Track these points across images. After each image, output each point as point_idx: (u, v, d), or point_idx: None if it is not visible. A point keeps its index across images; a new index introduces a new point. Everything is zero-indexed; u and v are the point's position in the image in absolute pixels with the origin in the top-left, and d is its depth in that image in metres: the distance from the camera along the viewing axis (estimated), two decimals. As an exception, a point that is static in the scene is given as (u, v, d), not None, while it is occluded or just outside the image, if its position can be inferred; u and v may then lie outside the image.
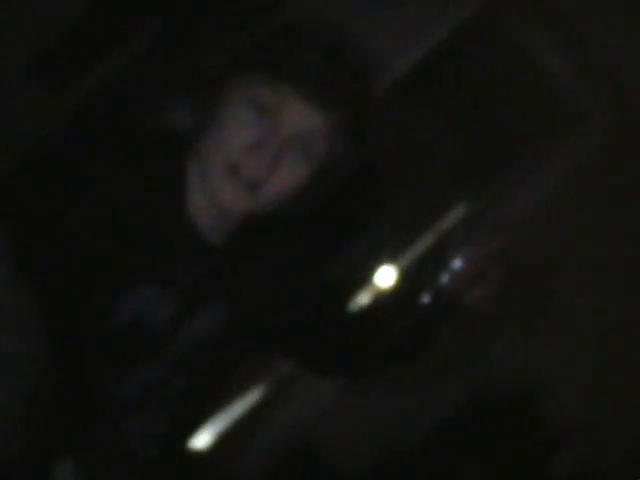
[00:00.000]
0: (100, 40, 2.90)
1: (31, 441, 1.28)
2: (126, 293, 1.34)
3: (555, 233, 3.03)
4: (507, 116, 3.27)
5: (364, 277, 2.89)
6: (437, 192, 3.26)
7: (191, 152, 1.37)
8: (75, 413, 1.35)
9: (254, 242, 1.42)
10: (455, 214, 3.18)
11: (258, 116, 1.28)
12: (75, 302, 1.31)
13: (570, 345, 3.04)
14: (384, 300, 1.55)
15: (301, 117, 1.29)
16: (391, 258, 3.02)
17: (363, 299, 2.88)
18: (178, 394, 1.44)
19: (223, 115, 1.31)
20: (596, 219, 3.06)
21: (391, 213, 3.19)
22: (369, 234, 3.17)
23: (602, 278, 3.09)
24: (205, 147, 1.33)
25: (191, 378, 1.45)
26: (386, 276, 2.99)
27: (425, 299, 1.46)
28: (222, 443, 2.96)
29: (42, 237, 1.28)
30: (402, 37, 3.05)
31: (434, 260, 1.46)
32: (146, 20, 2.92)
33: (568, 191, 3.13)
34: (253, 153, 1.28)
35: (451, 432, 3.05)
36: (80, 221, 1.30)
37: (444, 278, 1.44)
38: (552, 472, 2.97)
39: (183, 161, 1.38)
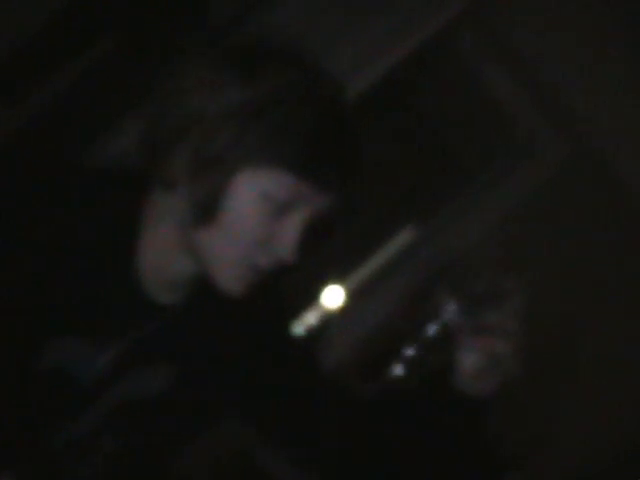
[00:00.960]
0: (51, 57, 2.79)
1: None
2: (52, 341, 1.27)
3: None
4: (459, 143, 3.27)
5: (311, 297, 2.85)
6: (386, 214, 3.24)
7: (147, 199, 1.28)
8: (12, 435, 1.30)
9: (210, 304, 1.31)
10: (402, 237, 3.16)
11: (274, 212, 1.22)
12: (3, 344, 1.26)
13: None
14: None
15: (321, 206, 1.25)
16: (338, 279, 2.99)
17: (310, 319, 2.84)
18: (106, 455, 1.37)
19: (233, 206, 1.21)
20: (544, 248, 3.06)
21: (340, 234, 3.15)
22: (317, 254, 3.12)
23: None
24: (207, 233, 1.23)
25: (120, 440, 1.36)
26: (334, 296, 2.96)
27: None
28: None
29: None
30: (356, 59, 3.02)
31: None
32: (99, 38, 2.82)
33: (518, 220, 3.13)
34: (270, 247, 1.24)
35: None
36: (14, 259, 1.23)
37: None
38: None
39: (136, 209, 1.28)
